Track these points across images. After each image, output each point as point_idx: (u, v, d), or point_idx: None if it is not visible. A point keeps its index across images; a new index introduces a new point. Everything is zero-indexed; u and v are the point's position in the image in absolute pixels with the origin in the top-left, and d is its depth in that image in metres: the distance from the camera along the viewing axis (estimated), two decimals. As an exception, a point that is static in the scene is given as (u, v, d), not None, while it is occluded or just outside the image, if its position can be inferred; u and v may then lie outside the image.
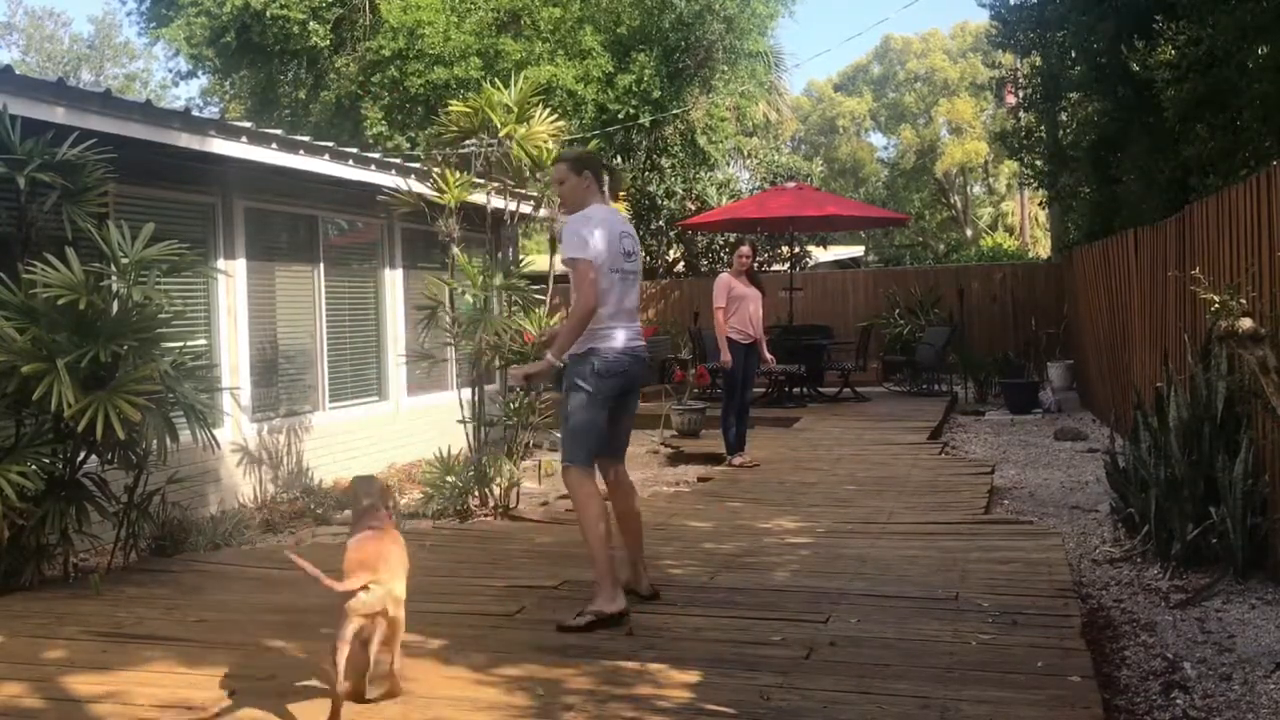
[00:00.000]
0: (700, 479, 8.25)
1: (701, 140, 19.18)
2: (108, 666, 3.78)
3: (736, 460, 8.52)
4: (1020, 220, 36.55)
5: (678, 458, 9.66)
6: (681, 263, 19.15)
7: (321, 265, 8.85)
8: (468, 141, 7.44)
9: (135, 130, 6.20)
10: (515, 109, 7.09)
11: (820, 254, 21.45)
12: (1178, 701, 3.52)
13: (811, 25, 69.76)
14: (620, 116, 17.95)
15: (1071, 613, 4.22)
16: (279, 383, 8.42)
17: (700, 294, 15.52)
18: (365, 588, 3.17)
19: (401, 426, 9.60)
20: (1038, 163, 14.59)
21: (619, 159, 18.47)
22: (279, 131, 7.68)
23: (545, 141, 7.22)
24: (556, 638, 4.02)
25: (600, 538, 4.19)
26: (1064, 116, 13.98)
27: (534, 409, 7.23)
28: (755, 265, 8.70)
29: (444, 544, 5.96)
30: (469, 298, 7.17)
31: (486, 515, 6.86)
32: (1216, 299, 4.45)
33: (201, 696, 3.44)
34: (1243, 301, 4.39)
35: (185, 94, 58.06)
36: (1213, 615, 4.41)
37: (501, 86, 7.26)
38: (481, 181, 7.57)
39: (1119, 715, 3.43)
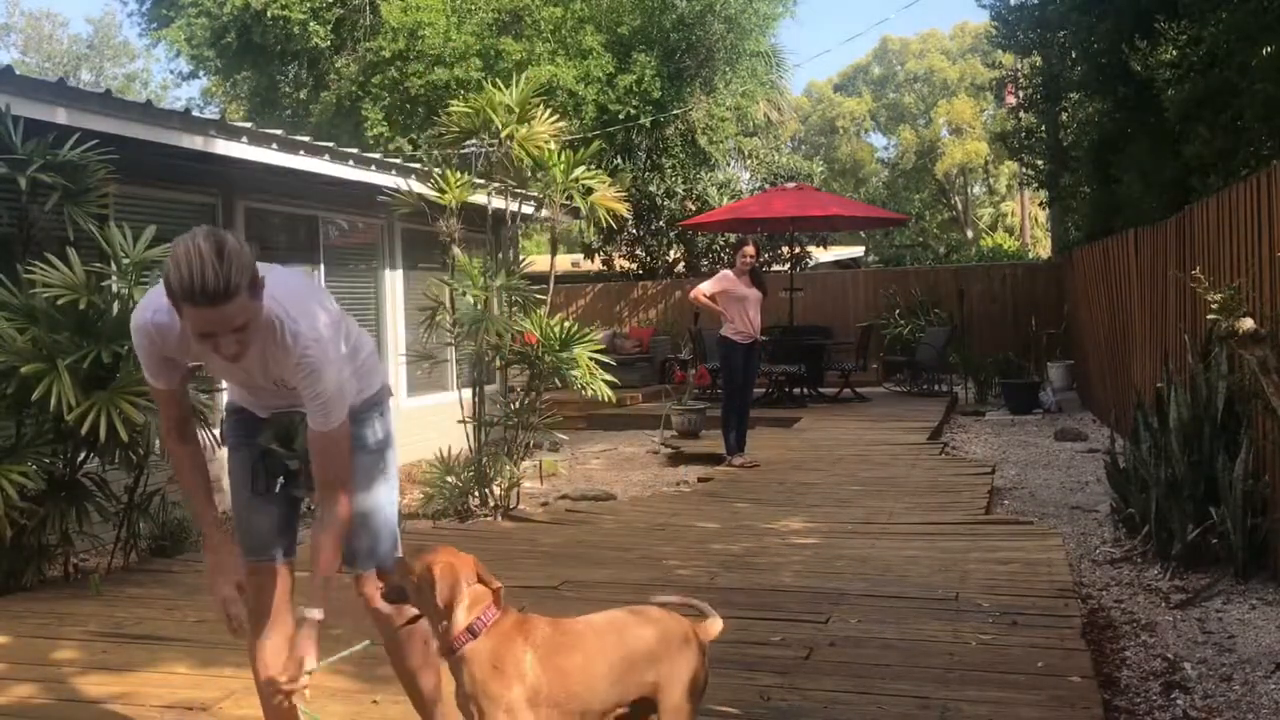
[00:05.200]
0: (701, 479, 8.24)
1: (702, 140, 19.17)
2: (108, 667, 3.78)
3: (737, 460, 8.52)
4: (1020, 221, 36.57)
5: (678, 458, 9.66)
6: (682, 263, 19.16)
7: (322, 266, 8.85)
8: (469, 142, 7.44)
9: (136, 130, 6.20)
10: (516, 109, 7.09)
11: (820, 254, 21.44)
12: (1178, 702, 3.51)
13: (811, 25, 69.98)
14: (621, 117, 17.95)
15: (1072, 613, 4.22)
16: (279, 383, 8.41)
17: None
18: None
19: (402, 427, 9.59)
20: (1038, 163, 14.59)
21: (619, 159, 18.47)
22: (279, 132, 7.68)
23: (547, 141, 7.22)
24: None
25: None
26: (1064, 117, 13.96)
27: (534, 409, 7.23)
28: (757, 264, 8.68)
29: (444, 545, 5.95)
30: (470, 298, 7.18)
31: (487, 515, 6.86)
32: (1217, 298, 4.45)
33: (202, 696, 3.44)
34: (1243, 302, 4.39)
35: (186, 95, 58.08)
36: (1213, 615, 4.40)
37: (502, 87, 7.26)
38: (482, 182, 7.58)
39: (1119, 715, 3.42)
